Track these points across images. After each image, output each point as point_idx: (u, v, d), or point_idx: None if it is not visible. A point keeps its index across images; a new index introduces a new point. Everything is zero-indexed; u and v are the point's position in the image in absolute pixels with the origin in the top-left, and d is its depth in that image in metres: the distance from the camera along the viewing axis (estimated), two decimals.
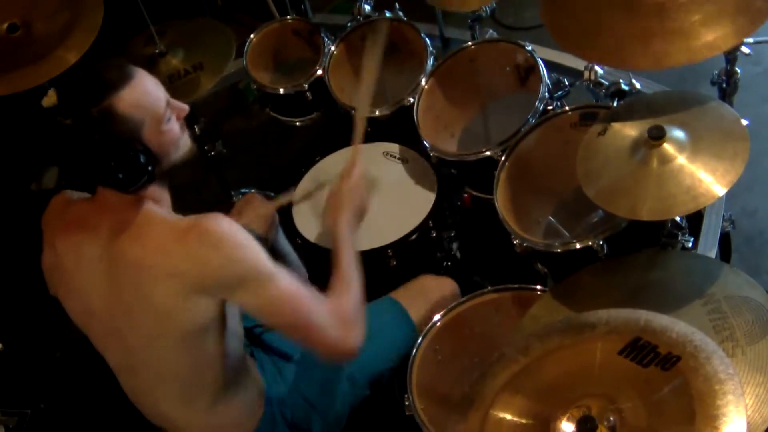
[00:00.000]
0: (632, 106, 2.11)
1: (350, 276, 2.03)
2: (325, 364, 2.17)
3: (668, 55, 1.93)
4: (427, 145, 2.61)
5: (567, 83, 2.56)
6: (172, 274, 1.78)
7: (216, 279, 1.80)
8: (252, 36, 3.20)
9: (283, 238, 2.74)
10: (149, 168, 1.80)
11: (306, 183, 2.74)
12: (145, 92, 1.79)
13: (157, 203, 1.89)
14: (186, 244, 1.78)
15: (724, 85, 2.30)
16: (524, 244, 2.25)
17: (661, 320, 1.51)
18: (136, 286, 1.83)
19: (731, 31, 1.89)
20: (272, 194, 2.83)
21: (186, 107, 1.91)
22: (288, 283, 1.85)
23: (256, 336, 2.28)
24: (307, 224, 2.61)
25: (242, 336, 2.06)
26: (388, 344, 2.28)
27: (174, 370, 1.94)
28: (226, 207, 2.93)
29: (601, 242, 2.12)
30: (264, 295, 1.83)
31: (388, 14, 3.03)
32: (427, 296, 2.37)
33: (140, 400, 2.10)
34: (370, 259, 2.48)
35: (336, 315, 1.90)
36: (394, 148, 2.76)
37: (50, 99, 1.74)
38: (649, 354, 1.47)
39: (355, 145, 2.35)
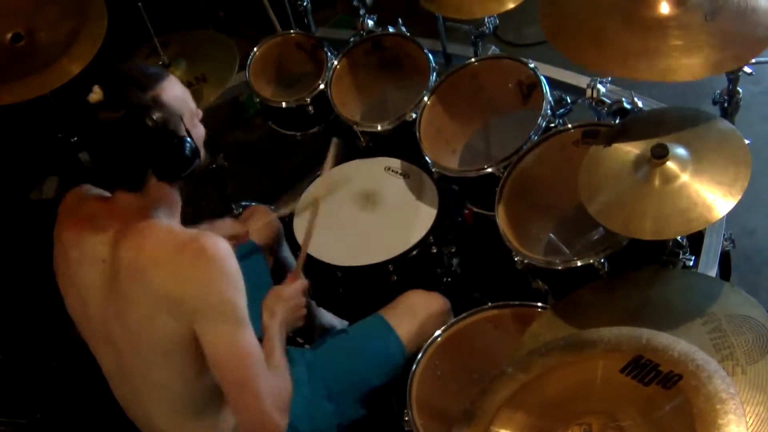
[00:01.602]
0: (636, 124, 2.12)
1: (285, 368, 2.00)
2: (307, 381, 2.20)
3: (672, 71, 1.95)
4: (429, 161, 2.61)
5: (569, 101, 2.57)
6: (162, 285, 1.79)
7: (191, 298, 1.79)
8: (255, 49, 3.21)
9: (287, 250, 2.75)
10: (195, 159, 1.85)
11: (307, 196, 2.74)
12: (180, 87, 1.88)
13: (170, 208, 1.92)
14: (180, 259, 1.79)
15: (726, 105, 2.31)
16: (525, 261, 2.25)
17: (662, 339, 1.51)
18: (129, 292, 1.84)
19: (730, 55, 1.92)
20: (272, 207, 2.83)
21: (200, 111, 1.98)
22: (251, 339, 1.85)
23: None
24: None
25: None
26: (374, 363, 2.27)
27: (162, 381, 1.94)
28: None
29: (602, 260, 2.12)
30: (224, 337, 1.82)
31: (391, 29, 3.04)
32: (415, 313, 2.35)
33: (131, 409, 2.11)
34: (371, 275, 2.49)
35: (277, 392, 1.89)
36: (396, 163, 2.77)
37: (96, 95, 1.76)
38: (651, 372, 1.47)
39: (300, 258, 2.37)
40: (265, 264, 2.63)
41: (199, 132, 1.93)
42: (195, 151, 1.86)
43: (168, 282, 1.79)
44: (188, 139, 1.84)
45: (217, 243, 1.81)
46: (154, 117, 1.78)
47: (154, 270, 1.80)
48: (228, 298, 1.81)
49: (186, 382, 1.94)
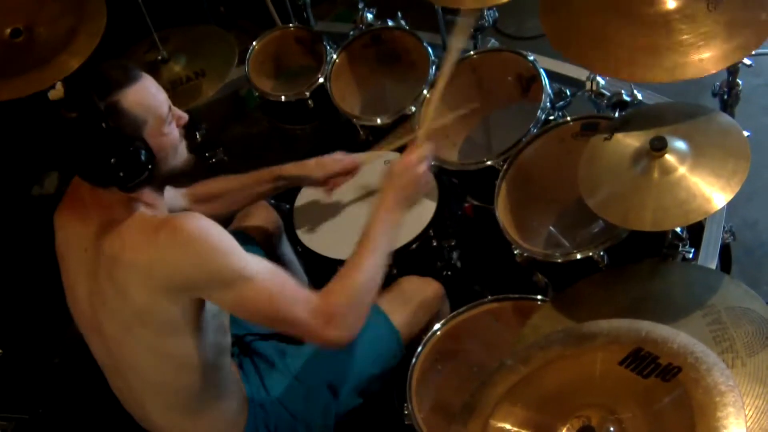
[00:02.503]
0: (635, 116, 2.12)
1: (361, 263, 1.95)
2: (305, 374, 2.20)
3: (680, 68, 1.94)
4: None
5: (569, 93, 2.57)
6: (143, 271, 1.79)
7: (185, 277, 1.80)
8: (254, 43, 3.21)
9: (287, 246, 2.75)
10: (149, 167, 1.82)
11: (307, 191, 2.74)
12: (149, 93, 1.83)
13: (152, 205, 1.91)
14: (156, 241, 1.79)
15: (726, 97, 2.31)
16: (525, 254, 2.25)
17: (662, 331, 1.51)
18: (112, 280, 1.84)
19: (738, 44, 1.91)
20: (272, 201, 2.83)
21: (186, 116, 1.94)
22: (265, 279, 1.83)
23: (246, 344, 2.28)
24: (308, 232, 2.61)
25: (226, 347, 2.04)
26: (369, 352, 2.25)
27: (152, 373, 1.95)
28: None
29: (601, 252, 2.12)
30: (239, 293, 1.81)
31: (390, 23, 3.04)
32: (409, 299, 2.35)
33: (128, 402, 2.12)
34: None
35: (320, 311, 1.85)
36: (396, 156, 2.76)
37: (57, 92, 1.75)
38: (650, 365, 1.46)
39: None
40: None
41: (167, 140, 1.87)
42: (149, 158, 1.81)
43: (156, 266, 1.78)
44: (141, 149, 1.79)
45: (190, 220, 1.80)
46: (104, 124, 1.75)
47: (137, 259, 1.79)
48: (223, 263, 1.79)
49: (176, 377, 1.95)
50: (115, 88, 1.77)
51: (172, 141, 1.89)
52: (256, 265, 1.84)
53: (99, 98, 1.75)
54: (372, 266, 1.95)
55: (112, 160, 1.77)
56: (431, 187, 2.07)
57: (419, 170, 2.09)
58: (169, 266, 1.78)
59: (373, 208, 2.05)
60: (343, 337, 1.88)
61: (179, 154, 1.92)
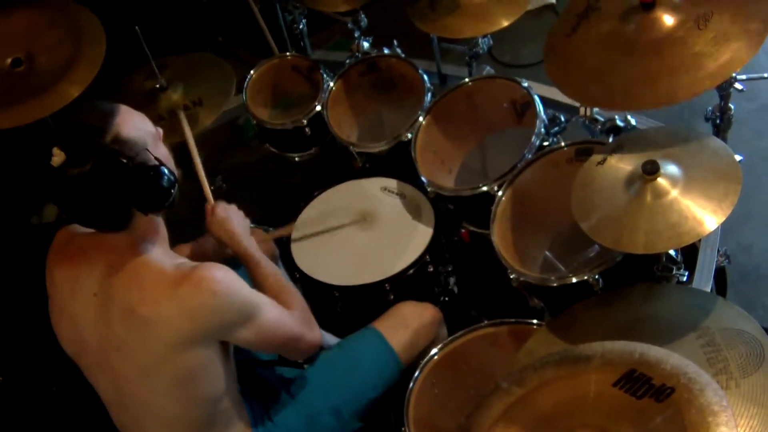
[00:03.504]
0: (628, 141, 2.14)
1: (281, 281, 2.18)
2: (308, 400, 2.21)
3: (678, 89, 1.98)
4: (425, 181, 2.63)
5: (563, 119, 2.59)
6: (166, 326, 1.81)
7: (212, 325, 1.85)
8: (252, 72, 3.23)
9: (283, 272, 2.75)
10: (174, 185, 1.84)
11: (305, 217, 2.76)
12: (133, 115, 1.85)
13: (157, 238, 1.92)
14: (178, 295, 1.80)
15: (718, 121, 2.33)
16: (521, 279, 2.26)
17: (655, 352, 1.52)
18: (128, 329, 1.84)
19: (730, 58, 1.94)
20: (270, 229, 2.84)
21: (161, 129, 1.95)
22: (270, 309, 1.97)
23: (248, 371, 2.27)
24: (305, 258, 2.62)
25: (235, 376, 2.06)
26: (369, 374, 2.28)
27: (163, 409, 1.95)
28: None
29: (596, 276, 2.13)
30: (257, 327, 1.91)
31: (386, 51, 3.07)
32: (408, 324, 2.36)
33: None
34: (368, 293, 2.51)
35: (303, 319, 2.07)
36: (392, 183, 2.79)
37: (59, 157, 1.71)
38: (644, 386, 1.47)
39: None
40: None
41: (164, 152, 1.90)
42: (172, 176, 1.83)
43: (183, 320, 1.80)
44: (162, 168, 1.80)
45: (208, 269, 1.83)
46: (122, 158, 1.75)
47: (159, 314, 1.80)
48: (243, 303, 1.90)
49: (186, 411, 1.95)
50: (106, 124, 1.76)
51: (166, 154, 1.91)
52: (256, 294, 1.95)
53: (101, 139, 1.75)
54: (288, 281, 2.23)
55: (144, 189, 1.78)
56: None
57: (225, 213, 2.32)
58: (195, 320, 1.81)
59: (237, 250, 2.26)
60: (318, 335, 2.09)
61: (173, 167, 1.92)
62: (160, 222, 1.94)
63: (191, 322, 1.81)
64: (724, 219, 1.82)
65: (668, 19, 2.06)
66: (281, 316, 1.98)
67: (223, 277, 1.84)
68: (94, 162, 1.72)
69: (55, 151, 1.72)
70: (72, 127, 1.78)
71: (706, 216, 1.85)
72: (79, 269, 1.92)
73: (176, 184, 1.84)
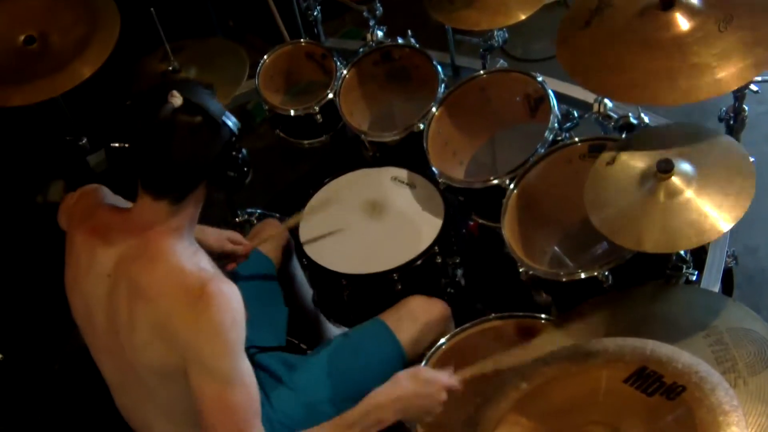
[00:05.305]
0: (642, 138, 2.14)
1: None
2: (311, 389, 2.20)
3: (695, 89, 1.97)
4: (436, 172, 2.63)
5: (576, 115, 2.58)
6: (163, 316, 1.79)
7: (186, 342, 1.78)
8: (265, 57, 3.23)
9: (297, 264, 2.76)
10: (248, 174, 1.91)
11: (314, 204, 2.76)
12: None
13: (191, 224, 1.91)
14: (186, 302, 1.77)
15: (732, 122, 2.32)
16: (530, 272, 2.26)
17: (667, 350, 1.53)
18: (132, 312, 1.84)
19: (751, 62, 1.93)
20: (277, 215, 2.84)
21: None
22: (240, 394, 1.78)
23: (249, 356, 2.27)
24: (314, 245, 2.62)
25: None
26: (373, 367, 2.26)
27: (163, 393, 1.94)
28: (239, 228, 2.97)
29: (606, 273, 2.13)
30: (211, 392, 1.77)
31: (400, 41, 3.06)
32: (416, 318, 2.35)
33: (132, 419, 2.10)
34: (376, 283, 2.50)
35: None
36: (403, 173, 2.78)
37: (178, 99, 1.76)
38: (655, 383, 1.48)
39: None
40: (275, 279, 2.63)
41: None
42: (247, 166, 1.88)
43: (170, 316, 1.78)
44: (243, 150, 1.86)
45: (225, 293, 1.78)
46: (225, 128, 1.81)
47: (160, 301, 1.79)
48: (220, 360, 1.77)
49: (187, 398, 1.94)
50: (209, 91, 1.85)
51: None
52: (241, 371, 1.81)
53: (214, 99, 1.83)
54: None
55: (229, 164, 1.84)
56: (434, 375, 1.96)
57: (440, 396, 1.93)
58: (184, 327, 1.77)
59: (381, 387, 1.92)
60: None
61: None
62: (197, 215, 1.93)
63: (181, 327, 1.77)
64: (742, 215, 1.82)
65: (684, 22, 2.05)
66: (240, 412, 1.76)
67: (230, 305, 1.77)
68: (204, 118, 1.78)
69: (175, 93, 1.76)
70: (195, 83, 1.85)
71: (723, 213, 1.85)
72: (99, 246, 1.92)
73: (249, 175, 1.88)
